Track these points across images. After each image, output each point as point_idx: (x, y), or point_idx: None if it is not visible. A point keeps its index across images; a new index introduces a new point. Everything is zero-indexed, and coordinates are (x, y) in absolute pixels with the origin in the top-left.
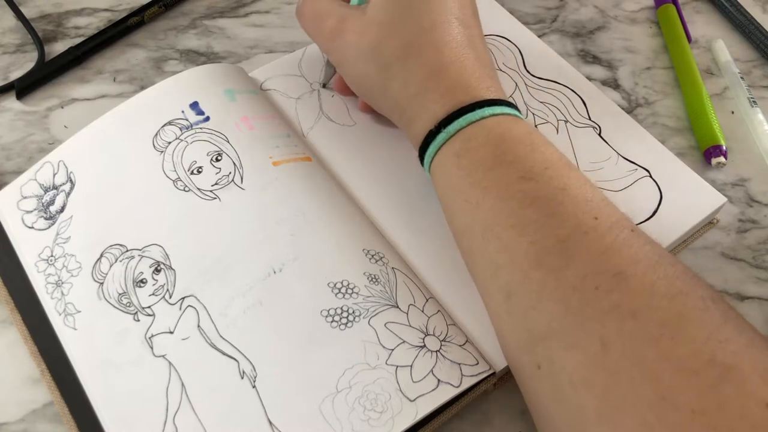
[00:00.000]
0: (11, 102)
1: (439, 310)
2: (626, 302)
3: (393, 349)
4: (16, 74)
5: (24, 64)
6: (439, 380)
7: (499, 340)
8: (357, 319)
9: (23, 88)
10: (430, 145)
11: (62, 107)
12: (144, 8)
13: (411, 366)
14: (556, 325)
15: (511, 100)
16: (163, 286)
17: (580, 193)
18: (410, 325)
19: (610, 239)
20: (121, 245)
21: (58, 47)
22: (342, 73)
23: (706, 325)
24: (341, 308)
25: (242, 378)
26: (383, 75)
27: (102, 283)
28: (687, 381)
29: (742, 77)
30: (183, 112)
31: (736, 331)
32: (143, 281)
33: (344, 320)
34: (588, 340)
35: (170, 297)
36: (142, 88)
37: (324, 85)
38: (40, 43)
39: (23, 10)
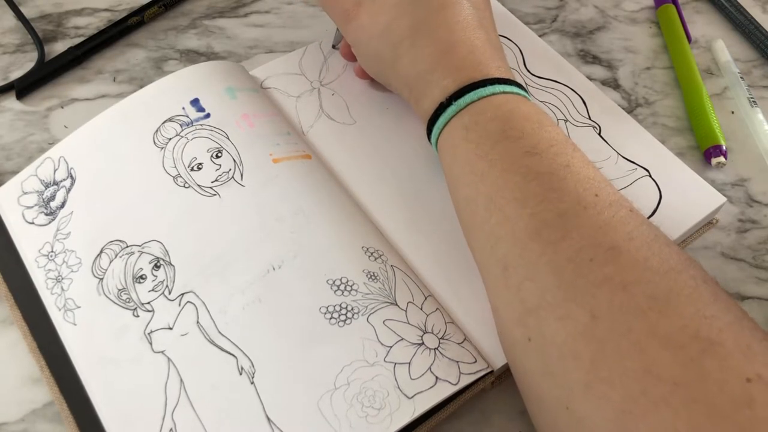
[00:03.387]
0: (11, 102)
1: (437, 308)
2: (618, 275)
3: (391, 347)
4: (16, 74)
5: (24, 64)
6: (437, 378)
7: (494, 318)
8: (356, 316)
9: (23, 88)
10: (439, 117)
11: (62, 107)
12: (144, 8)
13: (409, 363)
14: (549, 297)
15: (520, 82)
16: (162, 282)
17: (583, 172)
18: (409, 323)
19: (608, 215)
20: (121, 241)
21: (58, 47)
22: (356, 53)
23: (694, 301)
24: (340, 305)
25: (241, 374)
26: (394, 53)
27: (102, 279)
28: (671, 354)
29: (742, 77)
30: (183, 108)
31: (724, 310)
32: (143, 277)
33: (343, 317)
34: (578, 312)
35: (170, 293)
36: (142, 87)
37: (334, 46)
38: (40, 43)
39: (23, 10)
